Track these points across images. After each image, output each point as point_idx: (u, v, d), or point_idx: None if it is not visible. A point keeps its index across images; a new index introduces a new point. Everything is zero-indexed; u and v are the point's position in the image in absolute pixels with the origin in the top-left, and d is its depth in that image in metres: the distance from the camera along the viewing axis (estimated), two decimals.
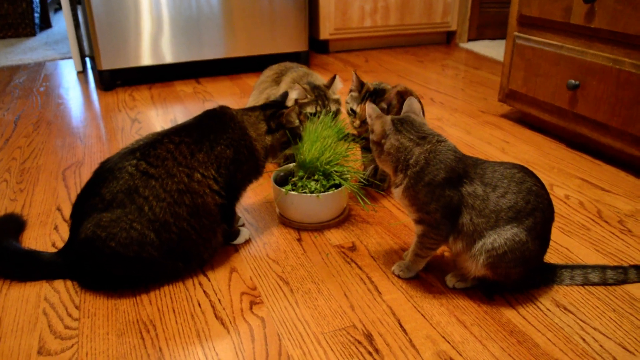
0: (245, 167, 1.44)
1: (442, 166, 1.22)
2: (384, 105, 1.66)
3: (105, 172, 1.31)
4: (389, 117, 1.29)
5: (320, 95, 1.85)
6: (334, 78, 1.89)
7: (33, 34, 4.72)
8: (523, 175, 1.23)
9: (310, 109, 1.83)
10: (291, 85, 1.90)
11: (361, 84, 1.69)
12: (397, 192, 1.30)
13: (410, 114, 1.32)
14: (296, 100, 1.82)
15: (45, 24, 5.08)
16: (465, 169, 1.24)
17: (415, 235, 1.32)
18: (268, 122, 1.51)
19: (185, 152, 1.34)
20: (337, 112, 1.85)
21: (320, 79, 2.04)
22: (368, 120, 1.31)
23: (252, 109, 1.55)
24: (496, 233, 1.20)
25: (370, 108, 1.30)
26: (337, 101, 1.89)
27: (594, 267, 1.35)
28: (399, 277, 1.38)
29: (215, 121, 1.43)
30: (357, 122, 1.68)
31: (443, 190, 1.22)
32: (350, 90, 1.72)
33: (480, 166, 1.25)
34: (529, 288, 1.32)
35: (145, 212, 1.27)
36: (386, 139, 1.29)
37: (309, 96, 1.83)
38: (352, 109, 1.69)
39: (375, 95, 1.67)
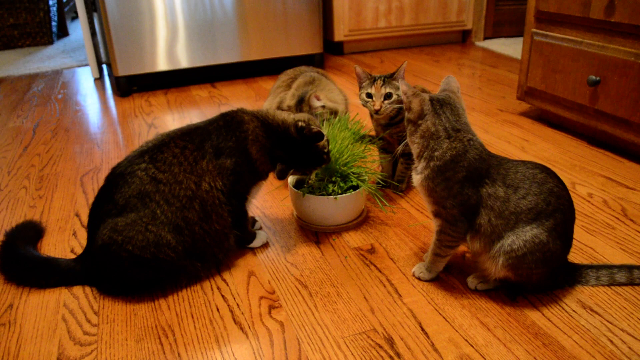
0: (246, 176, 1.41)
1: (466, 165, 1.20)
2: (396, 83, 1.64)
3: (116, 177, 1.32)
4: (427, 96, 1.25)
5: (301, 111, 1.85)
6: (308, 97, 1.87)
7: (51, 43, 4.77)
8: (545, 176, 1.20)
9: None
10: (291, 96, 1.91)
11: (369, 74, 1.68)
12: (416, 179, 1.28)
13: (450, 94, 1.28)
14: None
15: (63, 32, 5.14)
16: (488, 169, 1.21)
17: (434, 233, 1.30)
18: (270, 150, 1.43)
19: (189, 158, 1.33)
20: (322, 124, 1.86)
21: (326, 81, 2.02)
22: (403, 97, 1.27)
23: (268, 129, 1.42)
24: (515, 234, 1.17)
25: (404, 85, 1.27)
26: (318, 115, 1.87)
27: (620, 267, 1.31)
28: (419, 279, 1.36)
29: (223, 127, 1.40)
30: (378, 102, 1.63)
31: (462, 188, 1.20)
32: (361, 83, 1.70)
33: (503, 166, 1.22)
34: (552, 289, 1.29)
35: (158, 215, 1.27)
36: (423, 119, 1.24)
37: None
38: (367, 94, 1.66)
39: (385, 77, 1.65)
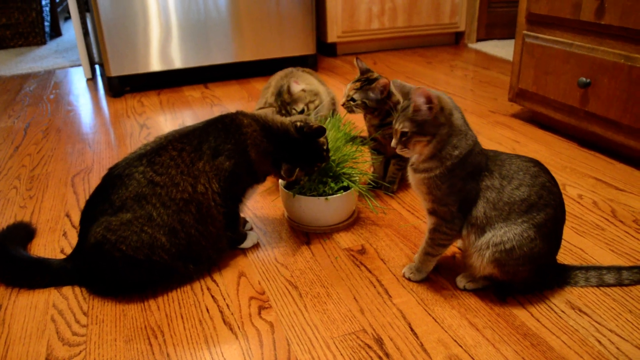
0: (244, 178, 1.42)
1: (473, 161, 1.20)
2: (371, 94, 1.67)
3: (113, 178, 1.32)
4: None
5: (282, 103, 1.85)
6: (288, 84, 1.86)
7: (43, 43, 4.75)
8: (538, 170, 1.22)
9: None
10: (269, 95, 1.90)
11: (364, 70, 1.72)
12: (417, 177, 1.24)
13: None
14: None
15: (56, 33, 5.12)
16: (486, 162, 1.22)
17: (427, 232, 1.30)
18: (272, 153, 1.43)
19: (186, 160, 1.33)
20: (306, 108, 1.85)
21: (305, 74, 2.01)
22: (423, 106, 1.16)
23: (268, 132, 1.43)
24: (507, 226, 1.18)
25: (421, 97, 1.16)
26: (300, 98, 1.86)
27: (609, 268, 1.32)
28: (409, 279, 1.36)
29: (222, 129, 1.39)
30: (343, 99, 1.72)
31: (465, 184, 1.20)
32: None
33: (499, 157, 1.24)
34: (541, 289, 1.30)
35: (155, 217, 1.27)
36: (453, 116, 1.19)
37: (274, 109, 1.83)
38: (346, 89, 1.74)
39: (367, 82, 1.68)
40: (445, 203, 1.23)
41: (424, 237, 1.32)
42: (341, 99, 1.73)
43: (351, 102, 1.69)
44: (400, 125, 1.21)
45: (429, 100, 1.16)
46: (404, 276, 1.37)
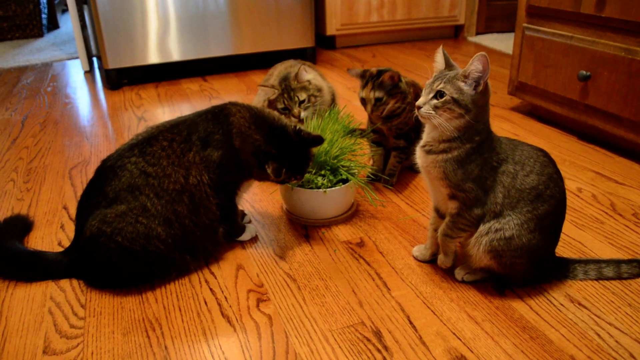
0: (233, 169, 1.38)
1: (488, 145, 1.20)
2: (384, 86, 1.64)
3: (106, 170, 1.32)
4: None
5: (286, 87, 1.82)
6: (298, 70, 1.85)
7: (41, 35, 4.73)
8: (547, 161, 1.22)
9: (279, 105, 1.83)
10: (265, 89, 1.89)
11: (362, 73, 1.67)
12: (430, 158, 1.21)
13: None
14: (268, 100, 1.83)
15: (53, 25, 5.09)
16: (500, 146, 1.22)
17: (448, 215, 1.26)
18: (259, 152, 1.37)
19: (177, 150, 1.32)
20: (307, 100, 1.83)
21: (302, 69, 2.00)
22: (481, 75, 1.13)
23: (261, 122, 1.39)
24: (513, 213, 1.17)
25: (482, 64, 1.12)
26: (305, 88, 1.84)
27: (608, 262, 1.32)
28: (441, 267, 1.34)
29: (211, 119, 1.38)
30: (368, 107, 1.66)
31: (481, 171, 1.19)
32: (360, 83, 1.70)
33: (511, 142, 1.24)
34: (539, 282, 1.29)
35: (149, 208, 1.27)
36: (488, 104, 1.19)
37: (276, 91, 1.81)
38: (362, 99, 1.67)
39: (377, 76, 1.64)
40: (462, 189, 1.19)
41: (423, 231, 1.31)
42: (367, 111, 1.68)
43: (380, 105, 1.65)
44: (441, 85, 1.16)
45: (484, 71, 1.13)
46: (442, 266, 1.34)
